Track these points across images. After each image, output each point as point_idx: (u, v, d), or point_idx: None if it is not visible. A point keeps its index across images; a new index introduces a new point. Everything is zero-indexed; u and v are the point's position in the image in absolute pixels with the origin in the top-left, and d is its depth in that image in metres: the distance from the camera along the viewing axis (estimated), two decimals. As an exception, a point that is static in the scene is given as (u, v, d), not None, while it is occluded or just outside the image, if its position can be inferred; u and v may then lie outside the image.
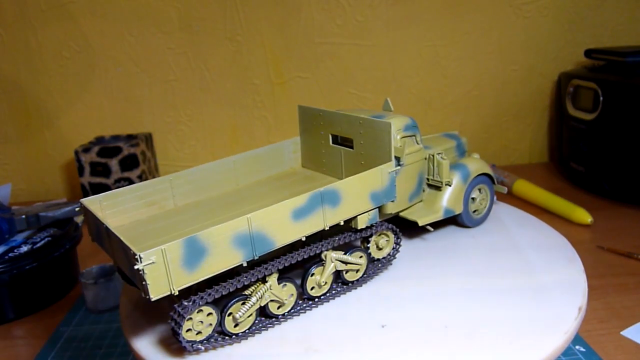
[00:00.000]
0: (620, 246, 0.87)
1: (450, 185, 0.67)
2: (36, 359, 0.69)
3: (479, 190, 0.72)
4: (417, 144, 0.64)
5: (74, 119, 1.34)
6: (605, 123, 1.06)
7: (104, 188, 1.15)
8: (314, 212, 0.51)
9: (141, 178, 1.15)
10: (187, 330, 0.47)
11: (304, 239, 0.51)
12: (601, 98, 1.06)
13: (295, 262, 0.52)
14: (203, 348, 0.48)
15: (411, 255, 0.65)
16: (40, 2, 1.25)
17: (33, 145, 1.36)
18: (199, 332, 0.48)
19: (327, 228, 0.52)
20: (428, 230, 0.69)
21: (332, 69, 1.32)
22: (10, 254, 0.78)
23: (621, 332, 0.66)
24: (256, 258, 0.48)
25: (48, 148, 1.36)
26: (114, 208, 0.60)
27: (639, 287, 0.76)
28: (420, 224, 0.65)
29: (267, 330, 0.52)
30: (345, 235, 0.56)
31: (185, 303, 0.46)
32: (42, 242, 0.82)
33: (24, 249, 0.80)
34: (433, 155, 0.66)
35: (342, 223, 0.54)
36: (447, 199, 0.67)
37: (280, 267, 0.51)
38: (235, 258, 0.47)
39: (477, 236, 0.70)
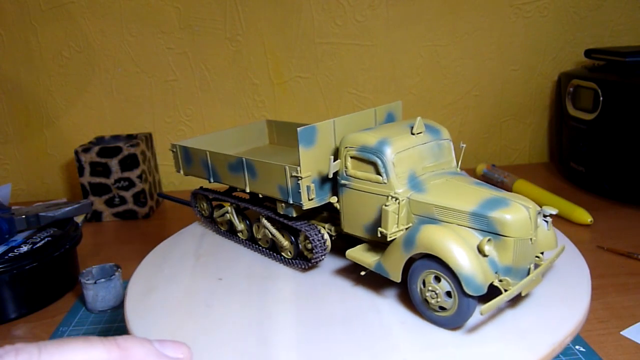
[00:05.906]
0: (620, 246, 0.87)
1: (382, 237, 0.52)
2: (36, 359, 0.69)
3: (436, 279, 0.48)
4: (379, 174, 0.53)
5: (74, 119, 1.34)
6: (605, 123, 1.06)
7: (104, 188, 1.15)
8: (239, 173, 0.65)
9: (141, 178, 1.15)
10: (198, 206, 0.77)
11: (238, 189, 0.67)
12: (601, 98, 1.06)
13: (242, 207, 0.70)
14: (201, 217, 0.77)
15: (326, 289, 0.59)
16: (40, 2, 1.25)
17: (33, 145, 1.36)
18: (204, 210, 0.76)
19: (247, 190, 0.65)
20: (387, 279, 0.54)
21: (332, 69, 1.32)
22: (10, 254, 0.78)
23: (621, 332, 0.66)
24: (211, 181, 0.70)
25: (48, 148, 1.36)
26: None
27: (639, 287, 0.76)
28: (347, 255, 0.57)
29: (230, 239, 0.73)
30: (272, 212, 0.64)
31: (196, 190, 0.76)
32: (42, 242, 0.82)
33: (24, 249, 0.80)
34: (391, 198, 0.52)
35: (260, 195, 0.64)
36: (386, 254, 0.53)
37: (234, 203, 0.70)
38: (203, 175, 0.70)
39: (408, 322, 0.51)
